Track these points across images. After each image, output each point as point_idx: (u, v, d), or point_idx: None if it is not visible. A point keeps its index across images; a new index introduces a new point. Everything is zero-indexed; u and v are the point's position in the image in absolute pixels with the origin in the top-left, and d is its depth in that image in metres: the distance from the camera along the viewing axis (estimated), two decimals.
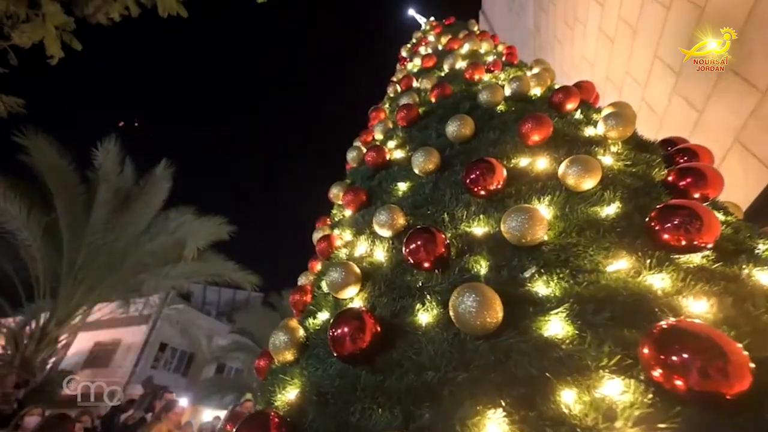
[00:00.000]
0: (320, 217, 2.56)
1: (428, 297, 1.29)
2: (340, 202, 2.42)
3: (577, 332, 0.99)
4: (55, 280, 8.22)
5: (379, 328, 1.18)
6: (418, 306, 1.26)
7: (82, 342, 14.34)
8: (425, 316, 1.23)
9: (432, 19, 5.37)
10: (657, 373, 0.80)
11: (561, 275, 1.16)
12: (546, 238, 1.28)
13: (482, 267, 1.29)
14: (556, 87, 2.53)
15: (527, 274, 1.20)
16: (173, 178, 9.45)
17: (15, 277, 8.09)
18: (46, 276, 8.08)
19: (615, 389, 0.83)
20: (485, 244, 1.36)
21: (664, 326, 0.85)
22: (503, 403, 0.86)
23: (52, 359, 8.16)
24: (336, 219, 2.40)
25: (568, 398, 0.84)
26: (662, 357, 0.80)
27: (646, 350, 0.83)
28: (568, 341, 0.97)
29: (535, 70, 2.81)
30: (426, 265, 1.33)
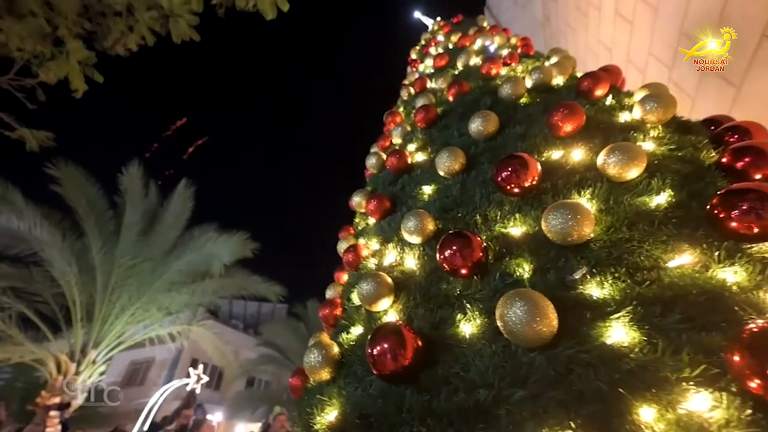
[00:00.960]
0: (343, 226, 2.52)
1: (469, 306, 1.20)
2: (362, 210, 2.38)
3: (645, 339, 0.88)
4: (91, 304, 8.55)
5: (420, 343, 1.11)
6: (459, 316, 1.18)
7: (118, 361, 14.87)
8: (468, 326, 1.15)
9: (439, 19, 5.32)
10: (754, 384, 0.70)
11: (616, 274, 1.06)
12: (593, 234, 1.18)
13: (525, 270, 1.20)
14: (578, 74, 2.42)
15: (577, 276, 1.10)
16: (195, 196, 9.71)
17: (54, 303, 8.45)
18: (81, 300, 8.41)
19: (703, 404, 0.73)
20: (526, 245, 1.27)
21: (756, 329, 0.74)
22: (572, 424, 0.77)
23: (91, 380, 8.46)
24: (360, 227, 2.35)
25: (648, 416, 0.74)
26: (759, 365, 0.69)
27: (737, 358, 0.73)
28: (637, 349, 0.87)
29: (554, 59, 2.70)
30: (463, 271, 1.25)
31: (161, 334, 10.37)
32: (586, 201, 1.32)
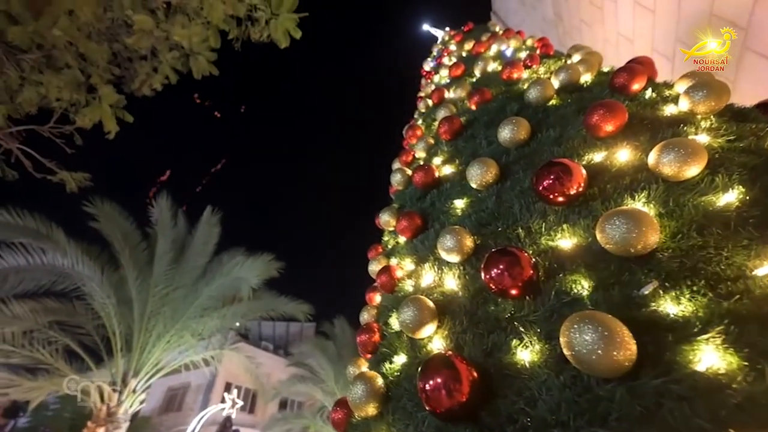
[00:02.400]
0: (372, 245, 2.47)
1: (523, 330, 1.11)
2: (391, 229, 2.32)
3: (746, 364, 0.76)
4: (129, 333, 8.85)
5: (475, 374, 1.02)
6: (515, 342, 1.09)
7: (156, 388, 15.24)
8: (526, 353, 1.05)
9: (448, 29, 5.32)
10: None
11: (694, 288, 0.94)
12: (658, 243, 1.06)
13: (584, 287, 1.09)
14: (605, 69, 2.31)
15: (646, 291, 0.99)
16: (221, 223, 10.00)
17: (95, 335, 8.81)
18: (120, 330, 8.73)
19: None
20: (580, 258, 1.16)
21: None
22: None
23: (132, 409, 8.67)
24: (390, 246, 2.29)
25: None
26: None
27: None
28: (739, 378, 0.74)
29: (577, 57, 2.60)
30: (513, 292, 1.15)
31: (195, 359, 10.57)
32: (642, 205, 1.21)
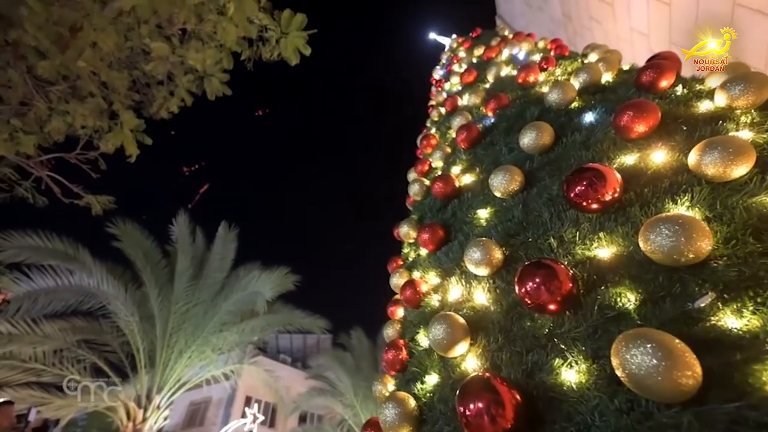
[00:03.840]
0: (392, 258, 2.42)
1: (564, 347, 1.04)
2: (411, 241, 2.28)
3: None
4: (152, 350, 9.00)
5: (518, 397, 0.96)
6: (557, 361, 1.02)
7: (178, 403, 15.38)
8: (571, 374, 0.98)
9: (454, 36, 5.32)
10: None
11: (758, 299, 0.86)
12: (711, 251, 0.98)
13: (629, 300, 1.02)
14: (625, 67, 2.24)
15: (702, 304, 0.91)
16: (237, 238, 10.17)
17: (120, 352, 9.00)
18: (144, 347, 8.89)
19: None
20: (623, 269, 1.09)
21: None
22: None
23: (157, 425, 8.75)
24: (410, 259, 2.25)
25: None
26: None
27: None
28: None
29: (593, 56, 2.54)
30: (552, 307, 1.09)
31: (216, 373, 10.65)
32: (686, 210, 1.14)
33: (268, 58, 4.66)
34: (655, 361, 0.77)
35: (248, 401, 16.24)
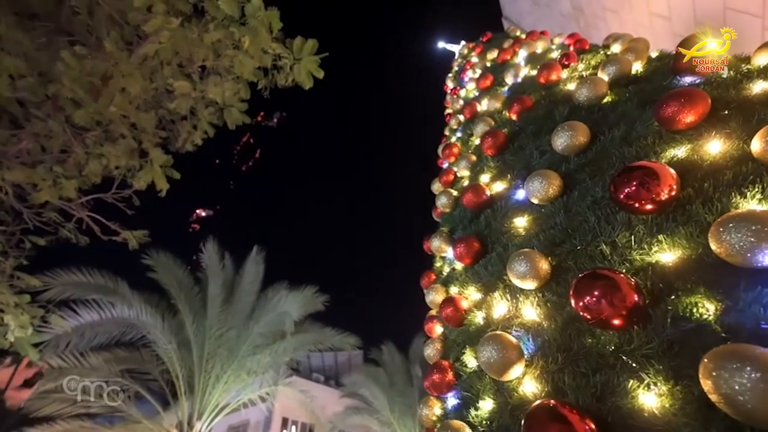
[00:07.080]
0: (424, 273, 2.36)
1: (637, 366, 0.94)
2: (443, 255, 2.21)
3: None
4: (190, 376, 9.21)
5: (593, 425, 0.87)
6: (632, 383, 0.92)
7: (218, 428, 15.54)
8: (651, 397, 0.88)
9: (464, 42, 5.30)
10: None
11: None
12: None
13: (708, 310, 0.92)
14: (654, 54, 2.12)
15: None
16: (265, 260, 10.36)
17: (161, 380, 9.25)
18: (182, 373, 9.11)
19: None
20: (694, 275, 0.99)
21: None
22: None
23: None
24: (444, 273, 2.18)
25: None
26: None
27: None
28: None
29: (617, 47, 2.44)
30: (616, 322, 1.00)
31: (252, 396, 10.73)
32: (757, 203, 1.02)
33: (284, 84, 4.81)
34: (757, 383, 0.67)
35: (285, 423, 16.23)
